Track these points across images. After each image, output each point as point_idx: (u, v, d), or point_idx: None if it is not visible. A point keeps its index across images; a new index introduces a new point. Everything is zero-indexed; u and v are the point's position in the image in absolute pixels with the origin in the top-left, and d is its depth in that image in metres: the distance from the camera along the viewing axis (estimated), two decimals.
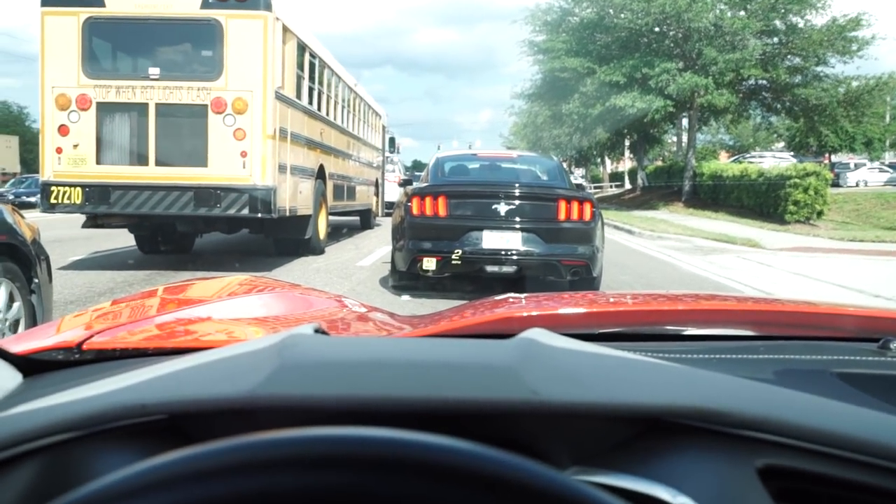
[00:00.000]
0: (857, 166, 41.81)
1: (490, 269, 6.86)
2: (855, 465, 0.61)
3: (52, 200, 8.58)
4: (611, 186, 49.73)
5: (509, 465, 0.44)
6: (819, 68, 26.13)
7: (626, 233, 17.38)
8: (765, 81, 26.71)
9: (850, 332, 1.21)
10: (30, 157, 44.91)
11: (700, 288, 8.35)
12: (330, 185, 12.00)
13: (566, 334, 0.84)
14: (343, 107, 13.96)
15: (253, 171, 8.47)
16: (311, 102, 11.00)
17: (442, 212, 6.89)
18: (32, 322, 4.19)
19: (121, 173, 8.54)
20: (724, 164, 31.45)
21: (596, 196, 7.87)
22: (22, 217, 4.37)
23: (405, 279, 7.18)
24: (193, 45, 9.00)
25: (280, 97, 8.95)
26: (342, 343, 0.82)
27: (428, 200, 6.93)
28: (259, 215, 8.58)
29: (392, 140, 22.88)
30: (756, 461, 0.63)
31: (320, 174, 11.22)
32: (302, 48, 10.32)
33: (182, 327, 1.20)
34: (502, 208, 6.86)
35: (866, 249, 13.47)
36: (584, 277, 6.86)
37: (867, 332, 1.13)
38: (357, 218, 17.16)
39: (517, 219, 6.85)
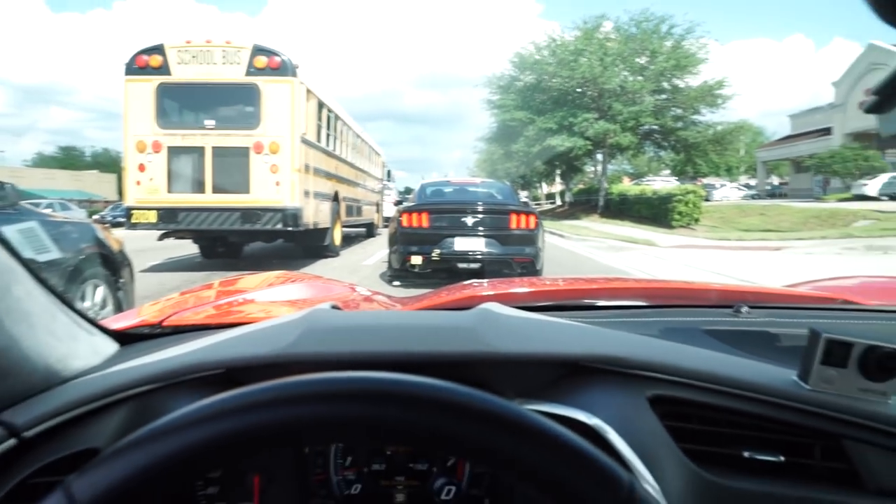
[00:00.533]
0: (721, 186, 42.36)
1: (461, 265, 6.76)
2: (715, 393, 0.64)
3: (134, 221, 8.38)
4: (546, 203, 49.92)
5: (471, 395, 0.44)
6: (695, 116, 26.46)
7: (559, 237, 17.37)
8: (656, 126, 26.94)
9: (713, 301, 1.22)
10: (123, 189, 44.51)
11: (614, 275, 8.33)
12: (343, 205, 11.87)
13: (514, 307, 0.84)
14: (352, 148, 13.83)
15: (284, 196, 8.33)
16: (328, 145, 10.87)
17: (425, 223, 6.80)
18: (118, 312, 4.09)
19: (185, 199, 8.35)
20: (627, 186, 31.75)
21: (537, 210, 7.84)
22: (110, 233, 4.27)
23: (398, 273, 7.09)
24: (239, 102, 8.81)
25: (304, 141, 8.82)
26: (351, 315, 0.82)
27: (415, 215, 6.83)
28: (290, 228, 8.43)
29: (389, 172, 22.79)
30: (647, 392, 0.65)
31: (335, 198, 11.09)
32: (321, 105, 10.17)
33: (235, 308, 1.21)
34: (469, 220, 6.78)
35: (731, 246, 13.55)
36: (529, 271, 6.80)
37: (725, 301, 1.15)
38: (364, 229, 17.00)
39: (480, 228, 6.77)
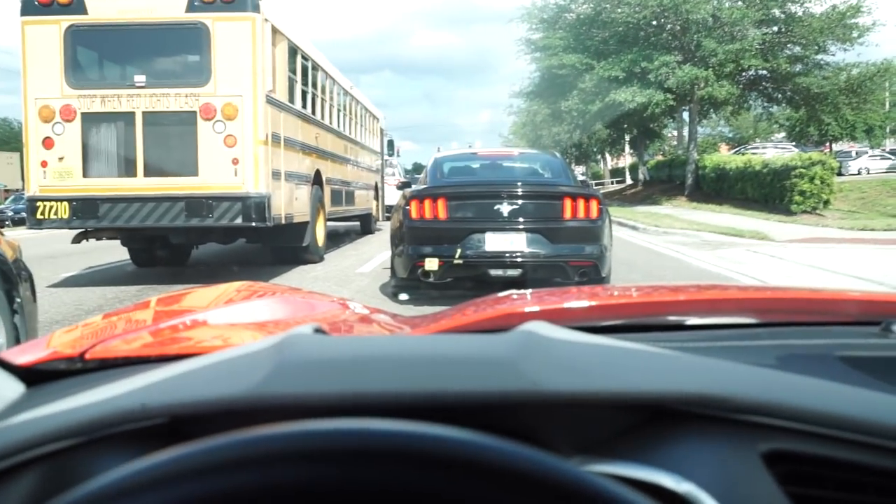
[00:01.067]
0: (858, 154, 41.97)
1: (494, 272, 6.69)
2: (859, 446, 0.63)
3: (39, 216, 8.44)
4: (612, 182, 49.89)
5: (509, 453, 0.45)
6: (819, 56, 26.31)
7: (631, 229, 17.33)
8: (765, 71, 26.94)
9: (852, 316, 1.24)
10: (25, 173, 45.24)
11: (709, 282, 8.20)
12: (327, 190, 11.91)
13: (571, 328, 0.85)
14: (339, 110, 13.88)
15: (245, 179, 8.33)
16: (304, 106, 10.89)
17: (442, 214, 6.74)
18: (15, 344, 4.07)
19: (108, 185, 8.39)
20: (727, 156, 31.51)
21: (600, 193, 7.79)
22: (2, 234, 4.25)
23: (406, 284, 7.01)
24: (180, 50, 8.86)
25: (271, 101, 8.81)
26: (341, 342, 0.83)
27: (427, 203, 6.77)
28: (253, 224, 8.43)
29: (391, 143, 22.89)
30: (760, 446, 0.64)
31: (317, 180, 11.12)
32: (293, 50, 10.17)
33: (180, 334, 1.23)
34: (505, 208, 6.70)
35: (878, 238, 13.42)
36: (592, 278, 6.68)
37: (869, 315, 1.16)
38: (357, 223, 17.14)
39: (521, 219, 6.70)
